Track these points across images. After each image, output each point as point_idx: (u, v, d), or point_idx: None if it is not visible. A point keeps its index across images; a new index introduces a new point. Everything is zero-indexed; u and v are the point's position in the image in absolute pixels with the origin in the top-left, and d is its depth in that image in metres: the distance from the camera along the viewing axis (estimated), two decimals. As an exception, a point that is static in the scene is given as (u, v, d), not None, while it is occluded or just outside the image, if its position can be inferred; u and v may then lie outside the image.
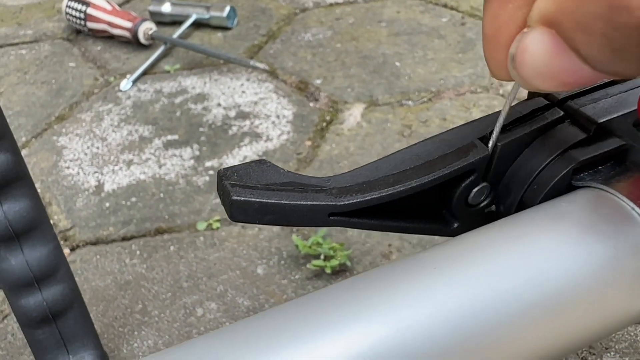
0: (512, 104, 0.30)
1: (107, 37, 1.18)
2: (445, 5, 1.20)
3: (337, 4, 1.25)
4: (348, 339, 0.20)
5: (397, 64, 1.05)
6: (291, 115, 0.95)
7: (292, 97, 0.99)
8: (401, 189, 0.26)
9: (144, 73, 1.08)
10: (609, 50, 0.16)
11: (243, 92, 1.01)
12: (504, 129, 0.28)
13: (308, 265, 0.69)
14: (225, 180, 0.26)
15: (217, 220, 0.77)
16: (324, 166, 0.85)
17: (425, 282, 0.23)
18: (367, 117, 0.93)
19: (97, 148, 0.92)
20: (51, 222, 0.79)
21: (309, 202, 0.26)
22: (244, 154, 0.88)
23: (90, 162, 0.89)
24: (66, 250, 0.75)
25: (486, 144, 0.28)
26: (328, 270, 0.68)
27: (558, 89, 0.19)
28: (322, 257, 0.69)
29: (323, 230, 0.73)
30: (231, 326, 0.22)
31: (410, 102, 0.96)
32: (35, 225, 0.54)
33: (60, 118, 0.99)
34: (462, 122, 0.90)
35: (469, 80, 0.99)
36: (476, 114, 0.91)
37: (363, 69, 1.04)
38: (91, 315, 0.65)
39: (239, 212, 0.25)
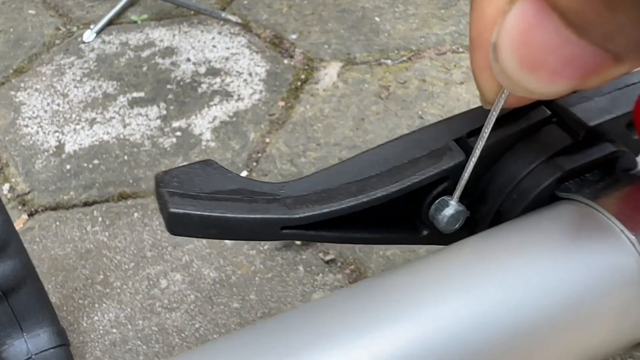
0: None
1: (69, -17, 1.10)
2: (429, -44, 1.14)
3: (316, -49, 1.18)
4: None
5: (377, 19, 1.00)
6: (264, 72, 0.90)
7: (265, 53, 0.94)
8: (364, 199, 0.23)
9: (109, 23, 1.01)
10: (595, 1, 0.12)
11: (214, 46, 0.96)
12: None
13: (277, 236, 0.67)
14: (162, 188, 0.23)
15: (184, 186, 0.74)
16: (297, 129, 0.81)
17: (389, 313, 0.20)
18: (344, 77, 0.89)
19: (58, 105, 0.87)
20: (8, 185, 0.75)
21: (258, 216, 0.22)
22: (214, 114, 0.84)
23: (50, 121, 0.84)
24: (24, 216, 0.71)
25: (462, 146, 0.25)
26: (297, 242, 0.66)
27: (548, 84, 0.15)
28: (292, 227, 0.67)
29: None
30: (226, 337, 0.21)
31: (389, 61, 0.92)
32: (-19, 198, 0.50)
33: (18, 71, 0.94)
34: (442, 85, 0.85)
35: (451, 39, 0.95)
36: (457, 76, 0.88)
37: (341, 23, 0.99)
38: (50, 286, 0.62)
39: (177, 226, 0.22)
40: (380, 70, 0.90)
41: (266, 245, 0.67)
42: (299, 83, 0.89)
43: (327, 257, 0.65)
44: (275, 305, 0.60)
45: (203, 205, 0.22)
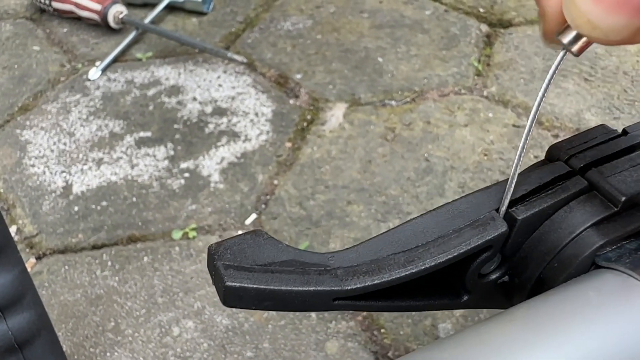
0: (527, 170, 0.28)
1: (74, 18, 1.11)
2: (429, -3, 1.17)
3: (318, -10, 1.20)
4: None
5: (380, 59, 1.01)
6: (270, 113, 0.91)
7: (271, 92, 0.95)
8: (413, 270, 0.24)
9: (114, 60, 1.02)
10: None
11: (220, 85, 0.97)
12: (523, 198, 0.26)
13: (289, 282, 0.67)
14: (217, 261, 0.24)
15: (194, 229, 0.74)
16: (305, 171, 0.82)
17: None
18: (350, 118, 0.90)
19: (65, 144, 0.87)
20: (15, 227, 0.75)
21: (312, 288, 0.23)
22: (222, 155, 0.84)
23: (57, 160, 0.84)
24: (32, 260, 0.71)
25: (503, 215, 0.26)
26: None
27: (608, 15, 0.17)
28: (304, 273, 0.67)
29: (306, 242, 0.70)
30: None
31: (393, 102, 0.93)
32: None
33: (23, 109, 0.94)
34: (447, 127, 0.87)
35: (453, 80, 0.97)
36: (461, 118, 0.89)
37: (345, 63, 1.01)
38: (60, 333, 0.61)
39: (233, 299, 0.23)
40: (385, 111, 0.91)
41: (278, 291, 0.67)
42: (305, 124, 0.90)
43: (339, 304, 0.65)
44: (290, 355, 0.60)
45: (258, 278, 0.23)
